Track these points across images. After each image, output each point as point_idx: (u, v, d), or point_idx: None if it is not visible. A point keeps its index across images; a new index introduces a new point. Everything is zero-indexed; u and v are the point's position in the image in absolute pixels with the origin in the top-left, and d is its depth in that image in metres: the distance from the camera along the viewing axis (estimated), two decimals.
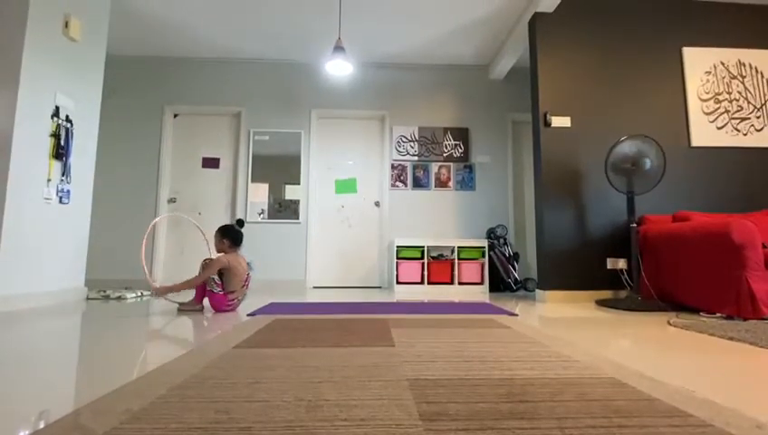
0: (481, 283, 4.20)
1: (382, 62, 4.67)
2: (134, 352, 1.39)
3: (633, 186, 2.88)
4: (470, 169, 4.61)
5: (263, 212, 4.45)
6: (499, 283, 4.22)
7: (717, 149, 3.38)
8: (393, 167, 4.59)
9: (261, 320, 2.05)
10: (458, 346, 1.44)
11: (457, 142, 4.63)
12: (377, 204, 4.63)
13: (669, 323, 2.10)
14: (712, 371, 1.21)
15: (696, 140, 3.37)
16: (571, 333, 1.81)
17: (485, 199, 4.59)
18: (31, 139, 2.62)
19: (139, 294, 3.32)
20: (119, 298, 3.11)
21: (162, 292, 2.48)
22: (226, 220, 4.45)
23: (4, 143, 2.47)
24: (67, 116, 2.92)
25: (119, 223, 4.33)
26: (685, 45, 3.48)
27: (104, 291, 3.34)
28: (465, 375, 1.08)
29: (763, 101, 3.46)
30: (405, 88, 4.69)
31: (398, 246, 4.20)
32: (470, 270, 4.22)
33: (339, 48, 3.31)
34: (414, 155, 4.60)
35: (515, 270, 4.18)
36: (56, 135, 2.81)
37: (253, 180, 4.49)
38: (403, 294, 3.80)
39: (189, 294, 2.49)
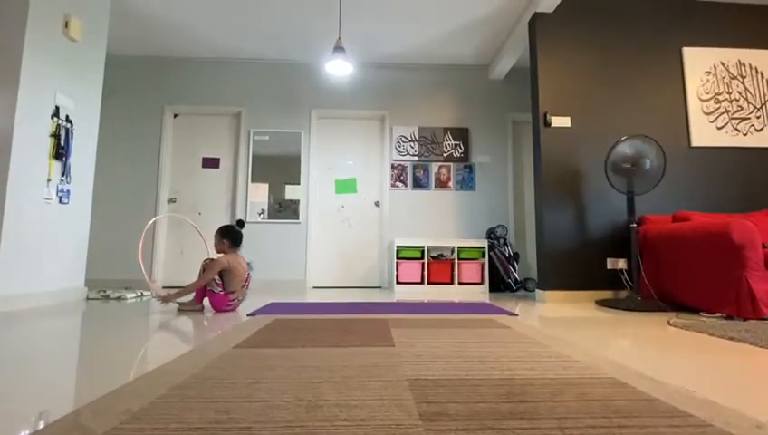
0: (481, 283, 4.20)
1: (382, 62, 4.67)
2: (134, 353, 1.39)
3: (633, 186, 2.88)
4: (470, 169, 4.61)
5: (263, 212, 4.45)
6: (499, 283, 4.22)
7: (717, 149, 3.38)
8: (393, 167, 4.59)
9: (261, 320, 2.05)
10: (458, 346, 1.44)
11: (457, 142, 4.63)
12: (377, 204, 4.62)
13: (669, 324, 2.10)
14: (712, 371, 1.21)
15: (696, 140, 3.37)
16: (571, 333, 1.81)
17: (485, 199, 4.59)
18: (31, 139, 2.62)
19: (139, 294, 3.32)
20: (119, 298, 3.11)
21: (168, 299, 2.48)
22: (226, 220, 4.45)
23: (4, 143, 2.47)
24: (67, 116, 2.92)
25: (119, 223, 4.33)
26: (685, 45, 3.48)
27: (104, 291, 3.34)
28: (465, 375, 1.08)
29: (763, 102, 3.46)
30: (405, 88, 4.69)
31: (398, 246, 4.20)
32: (470, 270, 4.22)
33: (339, 48, 3.31)
34: (414, 155, 4.60)
35: (515, 270, 4.18)
36: (56, 135, 2.81)
37: (253, 180, 4.49)
38: (403, 294, 3.80)
39: (189, 295, 2.49)
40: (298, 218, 4.45)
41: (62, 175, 2.89)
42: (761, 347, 1.53)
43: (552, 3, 3.30)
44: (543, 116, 3.31)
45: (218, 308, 2.44)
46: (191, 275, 4.21)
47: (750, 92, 3.46)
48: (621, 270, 3.14)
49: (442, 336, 1.62)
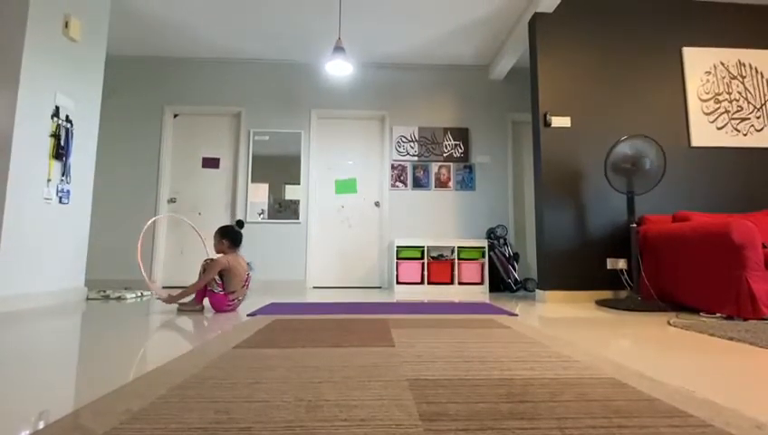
0: (481, 283, 4.20)
1: (382, 62, 4.68)
2: (134, 353, 1.39)
3: (633, 186, 2.88)
4: (470, 169, 4.61)
5: (263, 212, 4.45)
6: (499, 283, 4.22)
7: (717, 150, 3.38)
8: (393, 167, 4.59)
9: (261, 320, 2.05)
10: (458, 346, 1.44)
11: (457, 142, 4.63)
12: (377, 204, 4.62)
13: (669, 324, 2.10)
14: (712, 371, 1.21)
15: (696, 141, 3.37)
16: (571, 334, 1.81)
17: (485, 199, 4.59)
18: (31, 139, 2.62)
19: (139, 294, 3.32)
20: (118, 298, 3.11)
21: (170, 301, 2.49)
22: (226, 220, 4.46)
23: (4, 143, 2.47)
24: (67, 116, 2.92)
25: (119, 223, 4.33)
26: (685, 45, 3.48)
27: (104, 291, 3.35)
28: (465, 375, 1.08)
29: (762, 102, 3.46)
30: (405, 88, 4.69)
31: (398, 247, 4.20)
32: (470, 270, 4.22)
33: (339, 48, 3.31)
34: (414, 155, 4.60)
35: (515, 270, 4.18)
36: (56, 135, 2.81)
37: (253, 180, 4.49)
38: (403, 294, 3.80)
39: (190, 295, 2.49)
40: (298, 218, 4.45)
41: (62, 175, 2.89)
42: (761, 347, 1.53)
43: (552, 3, 3.30)
44: (543, 116, 3.31)
45: (218, 308, 2.44)
46: (191, 276, 4.22)
47: (750, 92, 3.46)
48: (621, 270, 3.14)
49: (442, 336, 1.62)
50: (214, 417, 0.78)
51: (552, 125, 3.29)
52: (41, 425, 0.78)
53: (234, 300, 2.47)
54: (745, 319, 2.20)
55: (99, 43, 3.27)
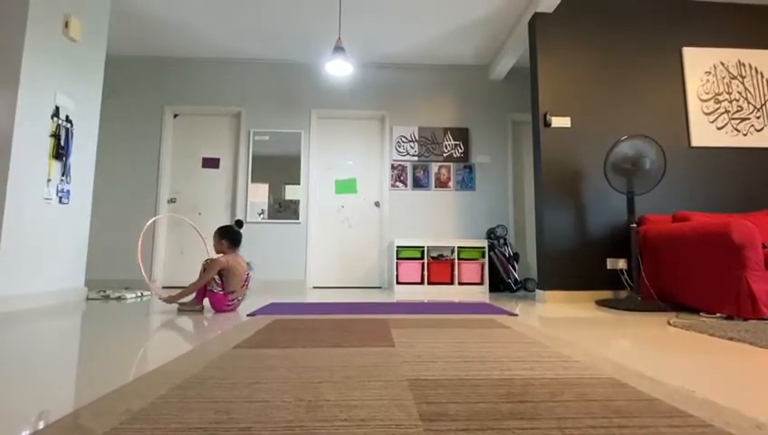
0: (481, 283, 4.20)
1: (382, 62, 4.67)
2: (134, 353, 1.39)
3: (633, 186, 2.88)
4: (470, 169, 4.61)
5: (263, 212, 4.45)
6: (499, 283, 4.22)
7: (717, 150, 3.38)
8: (393, 167, 4.59)
9: (261, 320, 2.05)
10: (458, 346, 1.44)
11: (457, 142, 4.63)
12: (377, 204, 4.62)
13: (669, 324, 2.10)
14: (712, 371, 1.21)
15: (696, 141, 3.37)
16: (571, 334, 1.81)
17: (485, 199, 4.59)
18: (31, 139, 2.62)
19: (139, 294, 3.32)
20: (118, 298, 3.11)
21: (170, 301, 2.49)
22: (226, 220, 4.45)
23: (4, 143, 2.47)
24: (67, 116, 2.92)
25: (119, 223, 4.33)
26: (685, 45, 3.48)
27: (104, 291, 3.35)
28: (465, 375, 1.08)
29: (762, 102, 3.46)
30: (405, 88, 4.69)
31: (398, 247, 4.20)
32: (470, 270, 4.22)
33: (339, 48, 3.31)
34: (414, 155, 4.60)
35: (515, 270, 4.18)
36: (56, 135, 2.81)
37: (253, 180, 4.49)
38: (403, 294, 3.80)
39: (190, 295, 2.49)
40: (298, 218, 4.45)
41: (62, 175, 2.89)
42: (761, 347, 1.53)
43: (552, 3, 3.30)
44: (543, 116, 3.31)
45: (218, 308, 2.44)
46: (191, 275, 4.22)
47: (750, 93, 3.46)
48: (621, 270, 3.14)
49: (442, 336, 1.62)
50: (214, 417, 0.78)
51: (552, 125, 3.29)
52: (41, 425, 0.78)
53: (233, 300, 2.47)
54: (745, 319, 2.20)
55: (99, 43, 3.27)
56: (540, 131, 3.31)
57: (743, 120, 3.42)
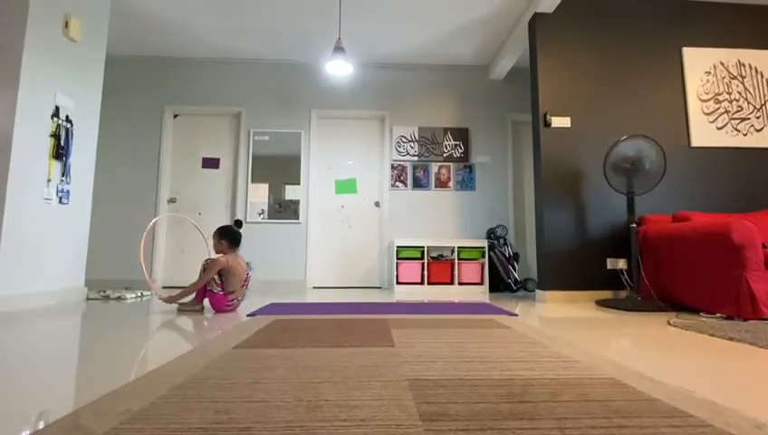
0: (481, 283, 4.20)
1: (382, 62, 4.68)
2: (134, 353, 1.39)
3: (633, 186, 2.88)
4: (470, 169, 4.61)
5: (263, 212, 4.45)
6: (499, 283, 4.22)
7: (717, 150, 3.38)
8: (393, 167, 4.59)
9: (261, 320, 2.05)
10: (458, 346, 1.44)
11: (457, 142, 4.63)
12: (377, 204, 4.63)
13: (669, 324, 2.10)
14: (712, 371, 1.21)
15: (696, 141, 3.37)
16: (571, 334, 1.81)
17: (485, 199, 4.59)
18: (31, 139, 2.62)
19: (139, 294, 3.32)
20: (118, 298, 3.11)
21: (170, 301, 2.49)
22: (226, 220, 4.45)
23: (4, 143, 2.47)
24: (67, 116, 2.92)
25: (119, 223, 4.33)
26: (685, 45, 3.48)
27: (104, 291, 3.35)
28: (465, 375, 1.08)
29: (762, 102, 3.46)
30: (405, 88, 4.69)
31: (398, 247, 4.20)
32: (470, 270, 4.22)
33: (339, 48, 3.31)
34: (414, 155, 4.60)
35: (515, 270, 4.18)
36: (56, 135, 2.81)
37: (253, 180, 4.49)
38: (403, 294, 3.80)
39: (190, 295, 2.49)
40: (298, 219, 4.45)
41: (62, 175, 2.89)
42: (761, 347, 1.53)
43: (552, 3, 3.30)
44: (543, 116, 3.31)
45: (218, 308, 2.44)
46: (191, 275, 4.22)
47: (750, 93, 3.46)
48: (621, 270, 3.14)
49: (442, 336, 1.62)
50: (214, 417, 0.78)
51: (552, 125, 3.29)
52: (41, 425, 0.78)
53: (233, 300, 2.47)
54: (745, 319, 2.20)
55: (99, 43, 3.27)
56: (540, 131, 3.31)
57: (743, 120, 3.42)
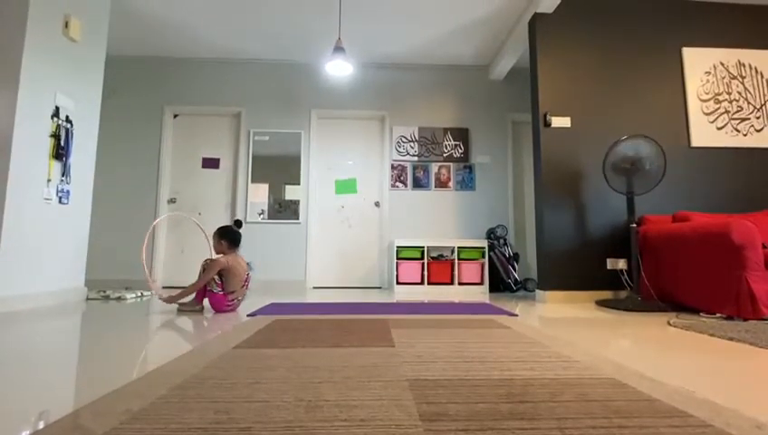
0: (481, 283, 4.20)
1: (382, 62, 4.68)
2: (134, 353, 1.39)
3: (633, 186, 2.88)
4: (470, 169, 4.61)
5: (263, 212, 4.45)
6: (499, 283, 4.22)
7: (717, 150, 3.38)
8: (393, 167, 4.59)
9: (261, 320, 2.05)
10: (458, 347, 1.44)
11: (457, 143, 4.63)
12: (377, 204, 4.62)
13: (669, 324, 2.10)
14: (712, 371, 1.21)
15: (696, 141, 3.37)
16: (571, 334, 1.81)
17: (485, 200, 4.59)
18: (31, 139, 2.62)
19: (139, 294, 3.32)
20: (118, 298, 3.11)
21: (170, 301, 2.49)
22: (226, 220, 4.46)
23: (4, 143, 2.47)
24: (67, 116, 2.92)
25: (119, 223, 4.33)
26: (685, 45, 3.48)
27: (104, 291, 3.35)
28: (465, 376, 1.08)
29: (762, 102, 3.46)
30: (405, 88, 4.69)
31: (398, 247, 4.20)
32: (470, 270, 4.22)
33: (339, 48, 3.31)
34: (414, 155, 4.60)
35: (515, 270, 4.18)
36: (56, 135, 2.81)
37: (253, 181, 4.49)
38: (403, 294, 3.80)
39: (190, 295, 2.49)
40: (298, 219, 4.45)
41: (62, 175, 2.89)
42: (761, 347, 1.53)
43: (552, 3, 3.30)
44: (543, 116, 3.31)
45: (218, 308, 2.44)
46: (191, 275, 4.22)
47: (750, 93, 3.46)
48: (621, 270, 3.14)
49: (442, 337, 1.62)
50: (214, 417, 0.78)
51: (552, 125, 3.29)
52: (41, 425, 0.78)
53: (233, 300, 2.47)
54: (745, 319, 2.20)
55: (99, 43, 3.27)
56: (540, 131, 3.31)
57: (743, 120, 3.42)
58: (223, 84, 4.59)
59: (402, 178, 4.57)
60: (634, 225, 2.89)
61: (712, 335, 1.76)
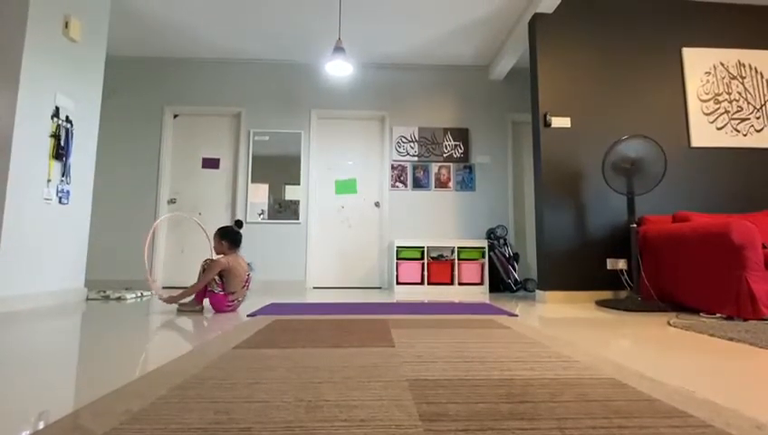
0: (481, 283, 4.20)
1: (382, 62, 4.68)
2: (134, 353, 1.39)
3: (633, 186, 2.88)
4: (470, 169, 4.61)
5: (263, 212, 4.45)
6: (499, 283, 4.22)
7: (717, 150, 3.38)
8: (393, 167, 4.59)
9: (261, 320, 2.05)
10: (458, 347, 1.44)
11: (457, 143, 4.63)
12: (377, 204, 4.62)
13: (669, 324, 2.10)
14: (712, 371, 1.21)
15: (696, 141, 3.37)
16: (571, 334, 1.81)
17: (485, 200, 4.59)
18: (31, 139, 2.62)
19: (139, 294, 3.32)
20: (118, 299, 3.11)
21: (171, 301, 2.49)
22: (226, 221, 4.46)
23: (4, 143, 2.47)
24: (67, 116, 2.92)
25: (119, 223, 4.33)
26: (685, 46, 3.48)
27: (104, 291, 3.35)
28: (465, 376, 1.08)
29: (762, 102, 3.46)
30: (405, 88, 4.69)
31: (398, 247, 4.20)
32: (470, 271, 4.22)
33: (339, 48, 3.31)
34: (414, 155, 4.60)
35: (515, 271, 4.18)
36: (56, 135, 2.81)
37: (253, 181, 4.49)
38: (403, 294, 3.80)
39: (189, 295, 2.49)
40: (298, 219, 4.45)
41: (62, 175, 2.89)
42: (761, 347, 1.53)
43: (552, 3, 3.30)
44: (543, 116, 3.31)
45: (218, 308, 2.44)
46: (191, 275, 4.22)
47: (750, 93, 3.46)
48: (621, 270, 3.14)
49: (442, 337, 1.62)
50: (214, 417, 0.78)
51: (552, 125, 3.29)
52: (41, 425, 0.78)
53: (234, 300, 2.47)
54: (745, 319, 2.20)
55: (99, 44, 3.27)
56: (540, 132, 3.31)
57: (742, 120, 3.42)
58: (223, 84, 4.59)
59: (402, 178, 4.57)
60: (634, 225, 2.89)
61: (712, 335, 1.76)
